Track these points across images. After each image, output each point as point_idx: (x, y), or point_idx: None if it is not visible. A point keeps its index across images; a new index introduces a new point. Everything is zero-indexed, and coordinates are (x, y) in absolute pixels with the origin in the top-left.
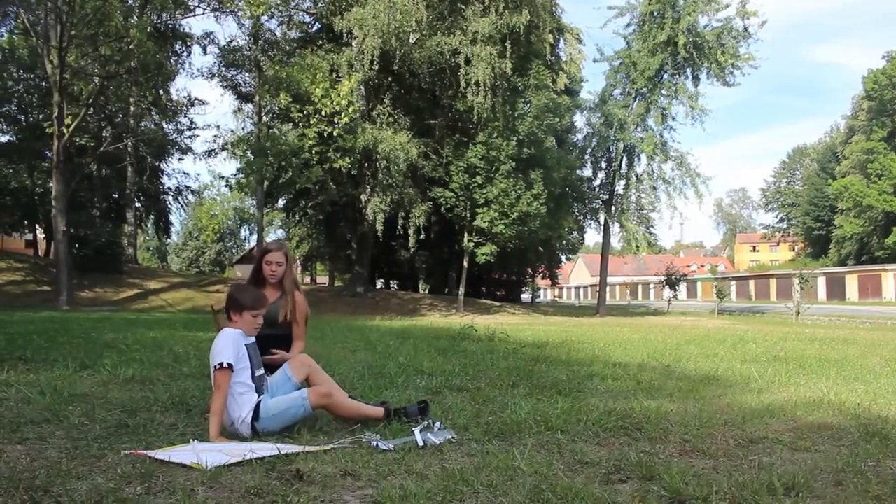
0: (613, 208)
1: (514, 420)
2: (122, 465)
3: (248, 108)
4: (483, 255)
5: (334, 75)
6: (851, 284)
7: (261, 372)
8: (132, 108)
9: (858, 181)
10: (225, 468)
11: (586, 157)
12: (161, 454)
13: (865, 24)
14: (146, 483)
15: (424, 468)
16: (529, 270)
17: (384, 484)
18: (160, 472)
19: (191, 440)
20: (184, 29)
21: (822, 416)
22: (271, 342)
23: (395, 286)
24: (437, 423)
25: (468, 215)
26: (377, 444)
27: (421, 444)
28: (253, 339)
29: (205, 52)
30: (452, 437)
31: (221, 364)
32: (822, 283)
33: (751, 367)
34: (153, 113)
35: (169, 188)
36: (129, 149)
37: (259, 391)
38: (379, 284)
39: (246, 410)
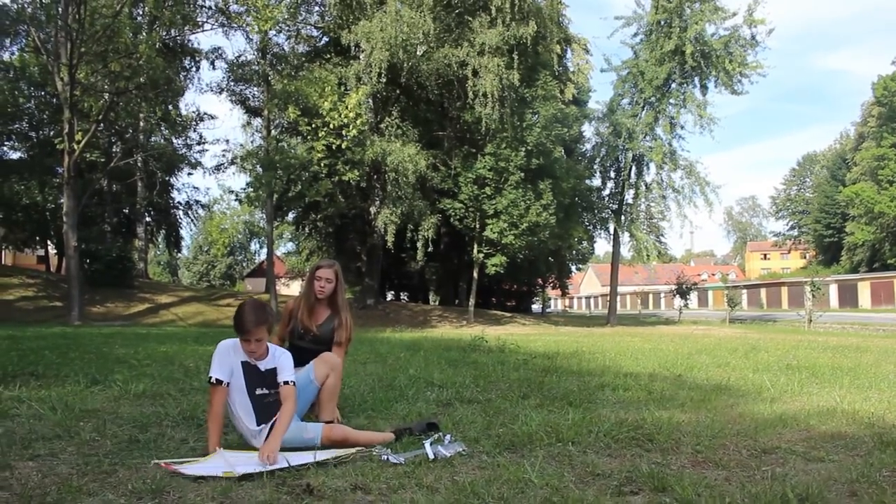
0: (623, 218)
1: (525, 432)
2: (132, 481)
3: (257, 122)
4: (493, 265)
5: (342, 88)
6: (864, 291)
7: (265, 392)
8: (142, 124)
9: (869, 188)
10: (236, 483)
11: (595, 166)
12: (189, 469)
13: (874, 31)
14: (157, 499)
15: (435, 481)
16: (539, 281)
17: (394, 498)
18: (171, 488)
19: (218, 448)
20: (192, 44)
21: (836, 426)
22: (312, 356)
23: (406, 298)
24: (448, 436)
25: (477, 226)
26: (388, 458)
27: (431, 456)
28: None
29: (213, 67)
30: (463, 450)
31: (211, 380)
32: (833, 290)
33: (763, 377)
34: (163, 128)
35: (179, 203)
36: (139, 164)
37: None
38: (389, 296)
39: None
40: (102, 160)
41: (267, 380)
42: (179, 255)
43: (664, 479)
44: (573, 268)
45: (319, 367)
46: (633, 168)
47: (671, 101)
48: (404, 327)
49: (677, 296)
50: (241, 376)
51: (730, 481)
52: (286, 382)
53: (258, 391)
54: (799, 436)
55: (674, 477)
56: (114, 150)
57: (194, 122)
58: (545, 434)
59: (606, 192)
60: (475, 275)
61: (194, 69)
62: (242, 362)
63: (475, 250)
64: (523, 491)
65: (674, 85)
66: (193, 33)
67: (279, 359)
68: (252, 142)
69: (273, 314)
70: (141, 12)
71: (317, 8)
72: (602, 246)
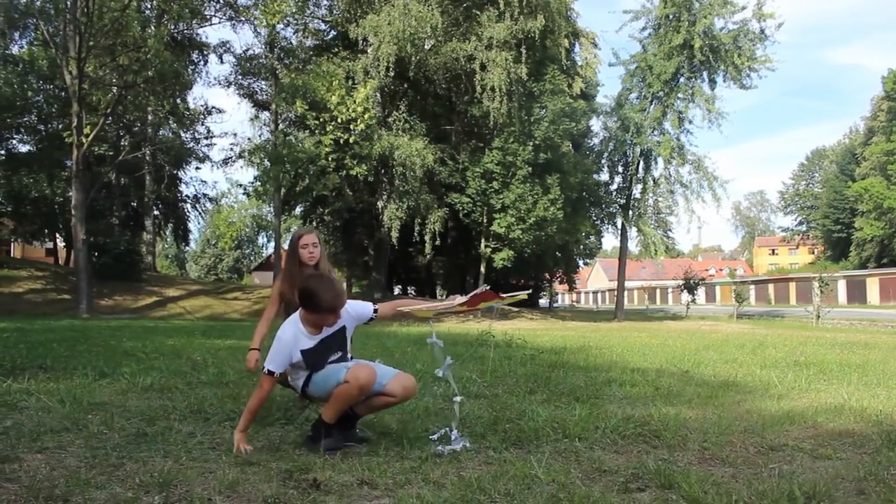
0: (631, 212)
1: (532, 427)
2: (140, 475)
3: (265, 115)
4: (500, 260)
5: (350, 82)
6: (872, 287)
7: (336, 357)
8: (150, 118)
9: (878, 183)
10: (243, 477)
11: (603, 161)
12: None
13: (884, 25)
14: (164, 492)
15: (441, 477)
16: (547, 275)
17: (401, 493)
18: (178, 482)
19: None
20: (200, 38)
21: (844, 423)
22: None
23: (413, 292)
24: (455, 431)
25: (485, 221)
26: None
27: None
28: (322, 337)
29: (221, 61)
30: (467, 446)
31: (265, 370)
32: (842, 286)
33: (770, 373)
34: (171, 122)
35: (187, 196)
36: (148, 157)
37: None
38: (396, 290)
39: (300, 382)
40: (111, 153)
41: (336, 342)
42: (187, 248)
43: (671, 475)
44: (580, 262)
45: (358, 371)
46: (641, 163)
47: (679, 95)
48: (411, 321)
49: (685, 291)
50: (302, 365)
51: (737, 478)
52: (375, 311)
53: (330, 361)
54: (806, 433)
55: (680, 474)
56: (122, 143)
57: (202, 116)
58: (552, 430)
59: (614, 186)
60: (482, 269)
61: (202, 63)
62: (303, 351)
63: (482, 245)
64: (530, 487)
65: (682, 79)
66: (202, 27)
67: (345, 316)
68: (260, 136)
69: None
70: (149, 6)
71: (325, 2)
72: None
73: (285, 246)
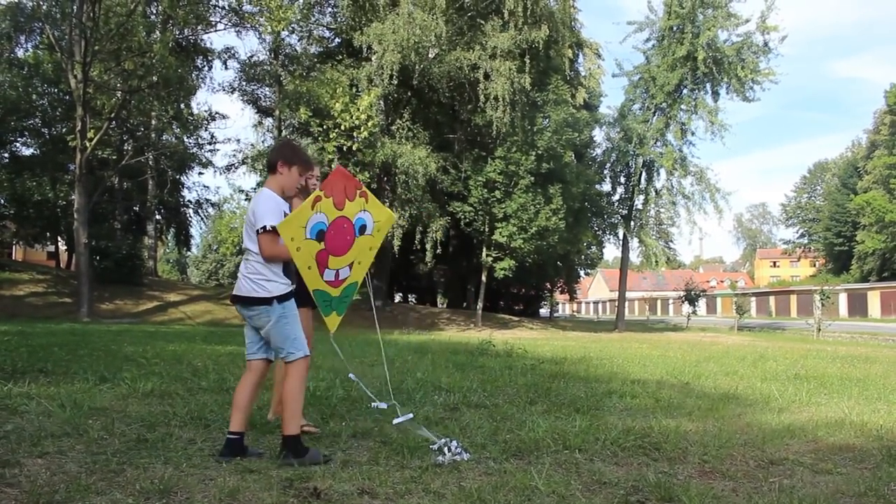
0: (632, 223)
1: (532, 438)
2: (140, 481)
3: (269, 122)
4: (502, 269)
5: (354, 90)
6: (874, 301)
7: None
8: (154, 122)
9: (881, 196)
10: (244, 485)
11: (605, 171)
12: None
13: (887, 38)
14: (164, 499)
15: (442, 487)
16: (548, 285)
17: (401, 502)
18: (178, 489)
19: None
20: (205, 44)
21: (844, 438)
22: None
23: (414, 300)
24: (455, 442)
25: (487, 230)
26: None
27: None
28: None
29: (226, 67)
30: (465, 456)
31: (265, 227)
32: (843, 299)
33: (771, 386)
34: (174, 127)
35: (189, 201)
36: (151, 162)
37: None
38: (397, 298)
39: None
40: (114, 158)
41: None
42: (189, 253)
43: (671, 489)
44: (582, 272)
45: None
46: (644, 173)
47: (682, 106)
48: (412, 329)
49: (686, 302)
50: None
51: (737, 492)
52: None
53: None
54: (807, 447)
55: (680, 487)
56: (125, 147)
57: (206, 122)
58: (552, 441)
59: (616, 197)
60: (483, 278)
61: (207, 68)
62: (285, 213)
63: (484, 254)
64: (530, 498)
65: (685, 91)
66: (206, 33)
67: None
68: (263, 142)
69: None
70: (154, 11)
71: (329, 9)
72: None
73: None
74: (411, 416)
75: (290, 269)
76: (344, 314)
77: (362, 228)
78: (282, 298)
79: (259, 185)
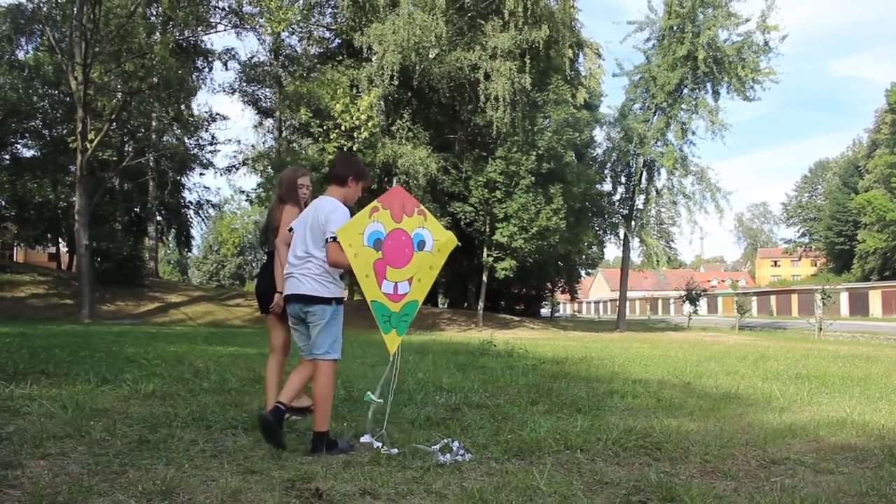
0: (633, 223)
1: (534, 438)
2: (142, 482)
3: (269, 122)
4: (502, 269)
5: (354, 90)
6: (875, 300)
7: None
8: (154, 124)
9: (882, 195)
10: (245, 486)
11: (606, 171)
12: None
13: (888, 37)
14: (166, 500)
15: (443, 487)
16: (549, 285)
17: (403, 503)
18: (180, 490)
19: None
20: (205, 45)
21: (846, 437)
22: None
23: None
24: (456, 443)
25: (487, 230)
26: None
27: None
28: None
29: (226, 68)
30: (465, 456)
31: (335, 237)
32: (844, 298)
33: (772, 386)
34: (175, 128)
35: (190, 202)
36: (151, 163)
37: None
38: None
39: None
40: (115, 159)
41: None
42: (189, 254)
43: (672, 488)
44: (582, 272)
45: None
46: (644, 173)
47: (683, 106)
48: (413, 330)
49: (687, 302)
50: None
51: (738, 492)
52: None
53: None
54: (808, 447)
55: (682, 487)
56: (126, 149)
57: (206, 123)
58: (554, 441)
59: (617, 196)
60: (484, 278)
61: (207, 70)
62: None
63: (485, 254)
64: (531, 498)
65: (686, 90)
66: (207, 34)
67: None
68: (263, 142)
69: None
70: (155, 13)
71: (329, 10)
72: (612, 251)
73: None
74: (381, 401)
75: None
76: (404, 335)
77: (421, 244)
78: (339, 301)
79: (259, 185)
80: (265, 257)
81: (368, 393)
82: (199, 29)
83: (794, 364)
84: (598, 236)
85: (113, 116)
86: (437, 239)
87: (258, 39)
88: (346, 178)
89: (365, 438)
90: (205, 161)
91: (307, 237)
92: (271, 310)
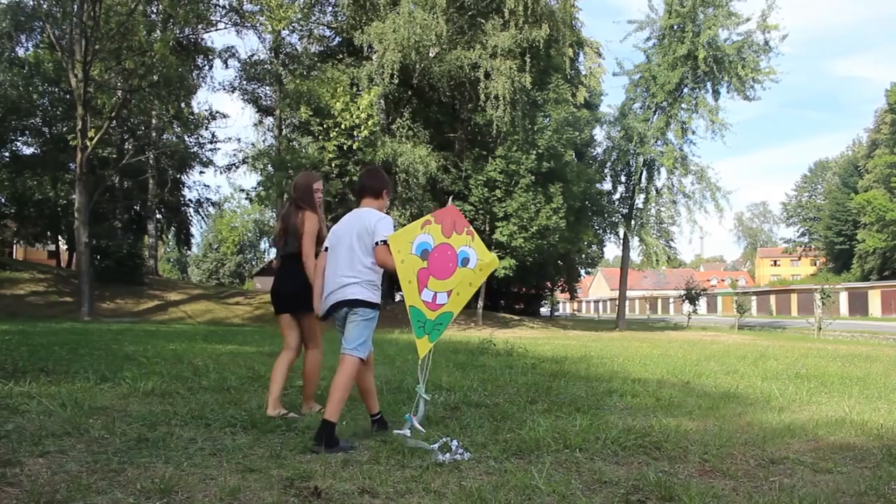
0: (633, 222)
1: (533, 437)
2: (141, 480)
3: (269, 121)
4: (502, 268)
5: (354, 89)
6: (874, 300)
7: None
8: (154, 121)
9: (881, 195)
10: (244, 484)
11: (606, 170)
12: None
13: (888, 37)
14: (165, 499)
15: (442, 486)
16: (548, 284)
17: (402, 502)
18: (179, 488)
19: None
20: (205, 43)
21: (845, 437)
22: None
23: None
24: (455, 442)
25: (487, 229)
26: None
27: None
28: None
29: (226, 66)
30: (465, 456)
31: (385, 241)
32: (844, 298)
33: (771, 385)
34: (175, 126)
35: (190, 200)
36: (151, 161)
37: None
38: (398, 297)
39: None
40: (115, 157)
41: None
42: (189, 252)
43: (671, 488)
44: (582, 271)
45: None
46: (644, 172)
47: (683, 105)
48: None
49: (686, 301)
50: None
51: (737, 491)
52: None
53: None
54: (807, 446)
55: (681, 486)
56: (126, 147)
57: (206, 121)
58: (553, 440)
59: (617, 196)
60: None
61: (207, 68)
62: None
63: None
64: (530, 497)
65: (686, 90)
66: (207, 32)
67: None
68: (263, 141)
69: None
70: (155, 10)
71: (330, 8)
72: (611, 250)
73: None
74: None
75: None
76: (435, 342)
77: (465, 261)
78: (380, 306)
79: (259, 184)
80: (279, 259)
81: (418, 387)
82: (200, 27)
83: (794, 363)
84: (597, 235)
85: (113, 114)
86: (481, 259)
87: (258, 37)
88: (381, 190)
89: (416, 421)
90: (205, 159)
91: (355, 246)
92: (315, 316)
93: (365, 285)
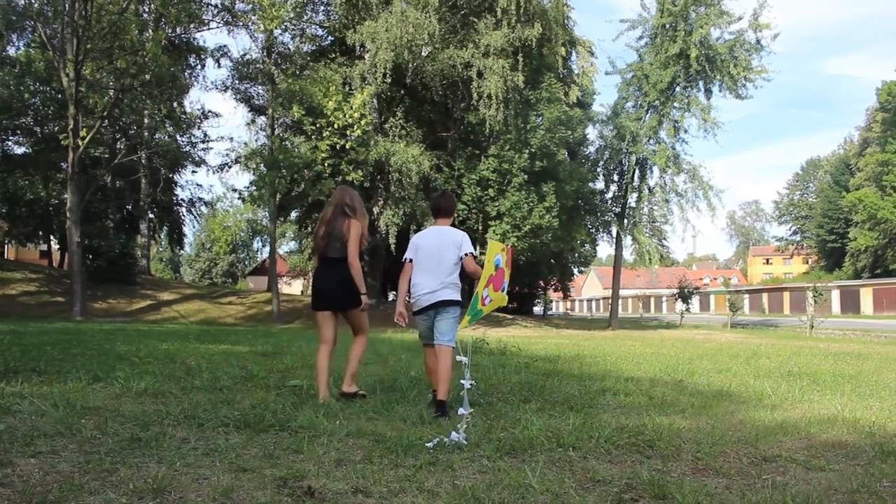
0: (626, 221)
1: (526, 436)
2: (134, 480)
3: (262, 120)
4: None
5: (347, 88)
6: (866, 298)
7: None
8: (146, 121)
9: (873, 193)
10: (237, 484)
11: (598, 169)
12: None
13: (879, 35)
14: (158, 499)
15: (436, 485)
16: (541, 283)
17: (395, 501)
18: (172, 488)
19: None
20: (198, 42)
21: (837, 434)
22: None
23: (408, 298)
24: (454, 433)
25: (480, 228)
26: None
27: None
28: None
29: (218, 66)
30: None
31: (473, 253)
32: (836, 296)
33: (764, 383)
34: (167, 125)
35: (182, 200)
36: (143, 161)
37: None
38: (391, 296)
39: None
40: (106, 156)
41: None
42: (182, 252)
43: (664, 486)
44: (575, 270)
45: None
46: (637, 171)
47: (675, 104)
48: (409, 328)
49: (679, 300)
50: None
51: (730, 489)
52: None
53: None
54: (800, 444)
55: (674, 484)
56: (118, 146)
57: (199, 120)
58: (546, 439)
59: (609, 195)
60: None
61: (199, 67)
62: None
63: (477, 251)
64: (524, 496)
65: (678, 89)
66: (199, 31)
67: None
68: (256, 140)
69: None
70: (147, 10)
71: (322, 7)
72: (604, 249)
73: (280, 251)
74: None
75: None
76: (473, 322)
77: (503, 288)
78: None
79: (251, 183)
80: (317, 260)
81: (462, 381)
82: (192, 26)
83: (786, 361)
84: (590, 234)
85: (105, 113)
86: (500, 293)
87: (250, 37)
88: (453, 210)
89: (462, 410)
90: (197, 159)
91: (443, 258)
92: (395, 321)
93: (452, 288)
